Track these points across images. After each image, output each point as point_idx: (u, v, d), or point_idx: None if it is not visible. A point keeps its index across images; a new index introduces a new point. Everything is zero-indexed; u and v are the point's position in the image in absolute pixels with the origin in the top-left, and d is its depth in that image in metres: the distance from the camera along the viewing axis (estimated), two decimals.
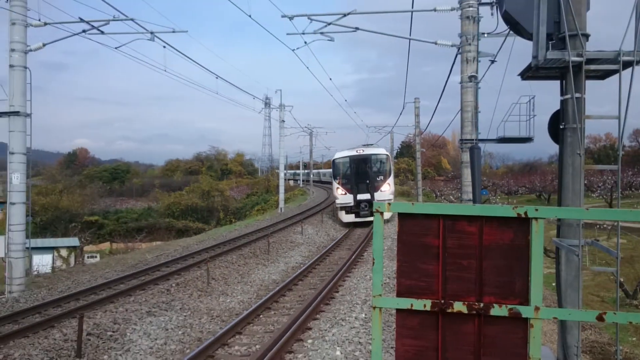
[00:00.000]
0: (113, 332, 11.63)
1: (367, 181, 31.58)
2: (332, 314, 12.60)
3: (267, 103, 52.38)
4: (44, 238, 41.47)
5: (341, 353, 9.79)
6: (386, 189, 31.63)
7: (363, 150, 32.93)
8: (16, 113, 16.96)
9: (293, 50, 21.41)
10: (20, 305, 14.35)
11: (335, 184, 32.69)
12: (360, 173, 31.87)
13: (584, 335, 14.71)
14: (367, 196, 31.21)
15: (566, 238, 6.85)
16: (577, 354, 6.78)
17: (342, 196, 31.89)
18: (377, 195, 31.08)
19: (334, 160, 33.52)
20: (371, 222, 28.48)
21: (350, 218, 31.89)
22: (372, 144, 37.79)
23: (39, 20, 17.86)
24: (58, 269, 28.08)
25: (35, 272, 23.68)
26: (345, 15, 18.09)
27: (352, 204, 31.53)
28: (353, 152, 32.83)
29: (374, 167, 32.45)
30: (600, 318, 3.69)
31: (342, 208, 32.18)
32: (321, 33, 18.71)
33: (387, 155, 33.35)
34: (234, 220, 62.14)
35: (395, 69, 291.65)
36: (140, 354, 10.30)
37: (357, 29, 18.38)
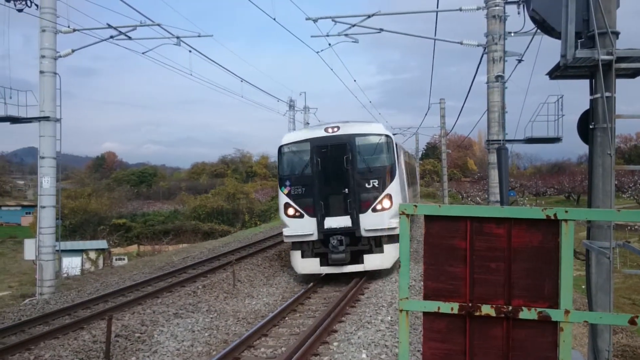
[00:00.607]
0: (141, 333, 11.75)
1: (346, 190, 16.07)
2: (357, 316, 12.56)
3: (291, 105, 52.48)
4: (73, 241, 42.18)
5: (367, 356, 9.75)
6: (385, 206, 15.93)
7: (338, 129, 16.60)
8: (46, 118, 17.31)
9: (317, 52, 21.49)
10: (50, 307, 14.60)
11: (282, 196, 16.77)
12: (332, 174, 16.22)
13: (615, 339, 14.43)
14: (344, 221, 16.00)
15: (596, 240, 6.72)
16: (609, 358, 6.64)
17: (294, 221, 16.39)
18: (366, 220, 15.90)
19: (280, 149, 17.05)
20: (354, 274, 16.45)
21: (310, 266, 16.50)
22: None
23: (68, 27, 18.21)
24: (87, 271, 28.59)
25: (65, 275, 24.11)
26: (369, 16, 18.08)
27: (313, 238, 16.19)
28: (319, 132, 16.83)
29: (360, 160, 16.31)
30: (632, 322, 3.61)
31: (295, 246, 16.78)
32: (345, 35, 18.74)
33: (386, 136, 16.73)
34: (259, 222, 62.39)
35: (419, 69, 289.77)
36: (168, 356, 10.39)
37: (381, 30, 18.36)
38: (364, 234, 15.96)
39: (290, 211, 16.44)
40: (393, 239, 16.05)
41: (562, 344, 3.69)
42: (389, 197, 15.99)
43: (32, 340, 11.18)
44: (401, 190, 17.03)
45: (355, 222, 15.96)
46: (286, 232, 16.63)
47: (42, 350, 10.73)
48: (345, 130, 16.57)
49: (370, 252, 16.14)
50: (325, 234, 16.06)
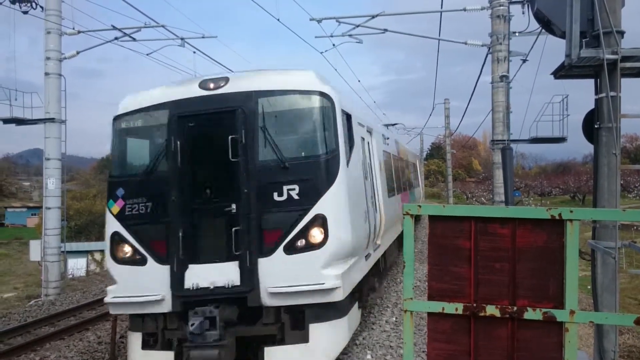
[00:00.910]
0: None
1: (233, 207, 7.71)
2: (362, 317, 12.53)
3: None
4: (78, 242, 42.25)
5: (372, 357, 9.73)
6: (314, 239, 7.59)
7: (225, 83, 8.13)
8: (51, 120, 17.36)
9: (321, 52, 21.39)
10: (56, 308, 14.64)
11: (110, 219, 8.21)
12: (207, 173, 8.05)
13: (621, 339, 14.36)
14: (225, 273, 7.64)
15: (602, 240, 6.70)
16: (615, 359, 6.62)
17: (129, 271, 8.04)
18: (272, 271, 7.55)
19: (113, 123, 8.54)
20: None
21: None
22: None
23: (73, 28, 18.27)
24: (92, 273, 28.66)
25: (70, 276, 24.18)
26: (373, 17, 18.04)
27: (164, 308, 7.79)
28: (189, 90, 8.26)
29: (267, 145, 7.89)
30: (638, 322, 3.59)
31: (133, 323, 8.22)
32: (349, 35, 18.70)
33: (322, 95, 8.17)
34: None
35: (424, 69, 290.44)
36: None
37: (385, 30, 18.31)
38: (266, 300, 7.72)
39: (124, 250, 8.19)
40: (330, 311, 7.91)
41: (568, 344, 3.67)
42: (322, 221, 7.70)
43: (38, 341, 11.23)
44: (357, 207, 8.68)
45: (250, 274, 7.69)
46: (112, 293, 8.26)
47: (47, 351, 10.77)
48: (240, 84, 8.26)
49: (279, 340, 7.88)
50: (187, 302, 7.78)
